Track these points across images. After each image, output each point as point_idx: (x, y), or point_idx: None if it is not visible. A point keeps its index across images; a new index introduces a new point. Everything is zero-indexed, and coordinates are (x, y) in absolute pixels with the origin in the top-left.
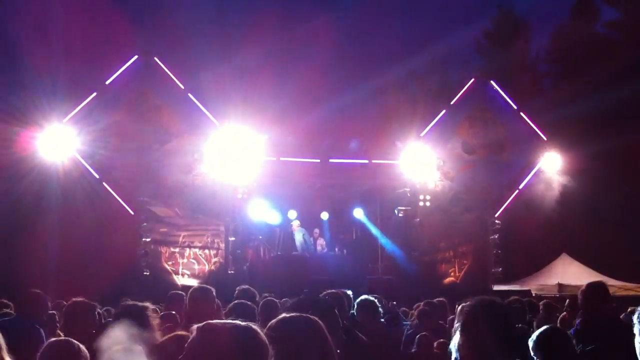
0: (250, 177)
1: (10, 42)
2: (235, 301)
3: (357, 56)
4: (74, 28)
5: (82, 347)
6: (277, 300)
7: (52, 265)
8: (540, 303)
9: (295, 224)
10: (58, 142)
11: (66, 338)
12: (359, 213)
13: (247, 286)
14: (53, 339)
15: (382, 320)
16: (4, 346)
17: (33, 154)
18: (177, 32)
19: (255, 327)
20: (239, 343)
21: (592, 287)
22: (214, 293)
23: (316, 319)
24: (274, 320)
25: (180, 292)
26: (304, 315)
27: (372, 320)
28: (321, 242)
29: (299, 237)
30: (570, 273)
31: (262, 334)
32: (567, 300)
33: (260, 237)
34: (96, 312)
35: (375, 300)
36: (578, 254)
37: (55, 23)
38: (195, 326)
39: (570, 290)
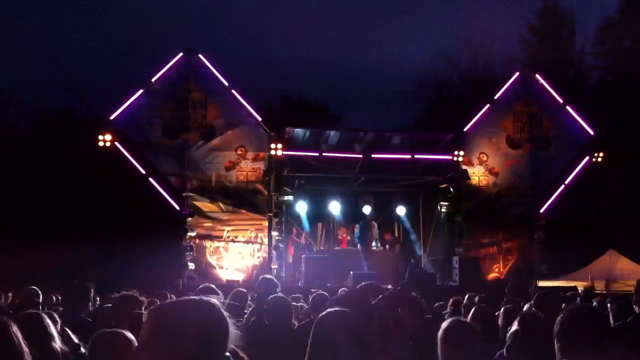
0: (292, 172)
1: (60, 40)
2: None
3: (401, 51)
4: (121, 26)
5: (132, 336)
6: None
7: (100, 259)
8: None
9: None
10: (106, 138)
11: (115, 329)
12: (401, 211)
13: (270, 276)
14: (103, 330)
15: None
16: (56, 335)
17: (81, 150)
18: (221, 28)
19: (211, 301)
20: (192, 320)
21: None
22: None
23: (354, 314)
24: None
25: (212, 286)
26: (342, 310)
27: (414, 317)
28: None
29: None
30: (618, 269)
31: (219, 308)
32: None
33: (304, 232)
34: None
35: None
36: (626, 249)
37: (103, 22)
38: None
39: (618, 287)
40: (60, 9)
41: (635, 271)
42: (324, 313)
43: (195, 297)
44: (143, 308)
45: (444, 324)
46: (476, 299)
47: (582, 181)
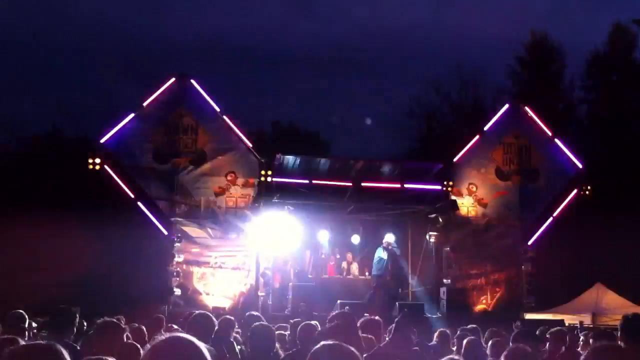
0: (281, 199)
1: (52, 64)
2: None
3: (391, 81)
4: (115, 51)
5: None
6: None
7: (85, 282)
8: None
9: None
10: (95, 161)
11: (100, 357)
12: (390, 239)
13: (256, 313)
14: (88, 357)
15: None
16: None
17: (70, 173)
18: (214, 54)
19: (196, 344)
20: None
21: (631, 320)
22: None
23: (348, 347)
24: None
25: (206, 313)
26: (337, 343)
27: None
28: (354, 267)
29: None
30: (605, 303)
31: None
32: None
33: (290, 259)
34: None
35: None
36: (613, 283)
37: (97, 46)
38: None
39: (605, 321)
40: (53, 32)
41: (622, 305)
42: (318, 346)
43: (188, 338)
44: (125, 336)
45: None
46: (462, 331)
47: (570, 214)
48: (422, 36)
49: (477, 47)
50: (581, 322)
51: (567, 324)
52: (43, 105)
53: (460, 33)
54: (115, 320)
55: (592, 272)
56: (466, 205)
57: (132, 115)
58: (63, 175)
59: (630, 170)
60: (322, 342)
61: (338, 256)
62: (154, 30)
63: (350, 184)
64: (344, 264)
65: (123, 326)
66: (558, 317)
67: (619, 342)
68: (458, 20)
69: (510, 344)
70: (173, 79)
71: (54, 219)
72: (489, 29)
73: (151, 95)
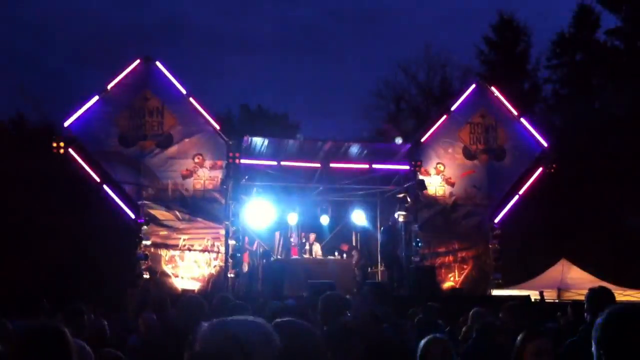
0: (250, 181)
1: (13, 49)
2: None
3: (359, 63)
4: (79, 35)
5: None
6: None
7: (51, 268)
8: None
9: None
10: (59, 145)
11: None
12: (358, 216)
13: (227, 295)
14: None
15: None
16: None
17: (34, 158)
18: (180, 37)
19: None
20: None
21: (598, 292)
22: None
23: (309, 325)
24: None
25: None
26: (296, 321)
27: (373, 326)
28: (316, 247)
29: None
30: (570, 278)
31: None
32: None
33: (257, 239)
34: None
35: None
36: (577, 259)
37: (59, 30)
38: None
39: (570, 296)
40: (14, 16)
41: (586, 280)
42: (272, 324)
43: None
44: (85, 317)
45: (423, 343)
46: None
47: (536, 192)
48: (390, 17)
49: (445, 28)
50: (541, 292)
51: (533, 300)
52: (5, 90)
53: (428, 14)
54: (80, 305)
55: (557, 248)
56: (434, 184)
57: (96, 97)
58: (27, 161)
59: (594, 148)
60: (276, 320)
61: (303, 240)
62: (119, 12)
63: (319, 165)
64: (307, 245)
65: (87, 311)
66: (524, 292)
67: (586, 314)
68: (426, 1)
69: None
70: (138, 61)
71: (19, 204)
72: (456, 10)
73: (115, 77)
